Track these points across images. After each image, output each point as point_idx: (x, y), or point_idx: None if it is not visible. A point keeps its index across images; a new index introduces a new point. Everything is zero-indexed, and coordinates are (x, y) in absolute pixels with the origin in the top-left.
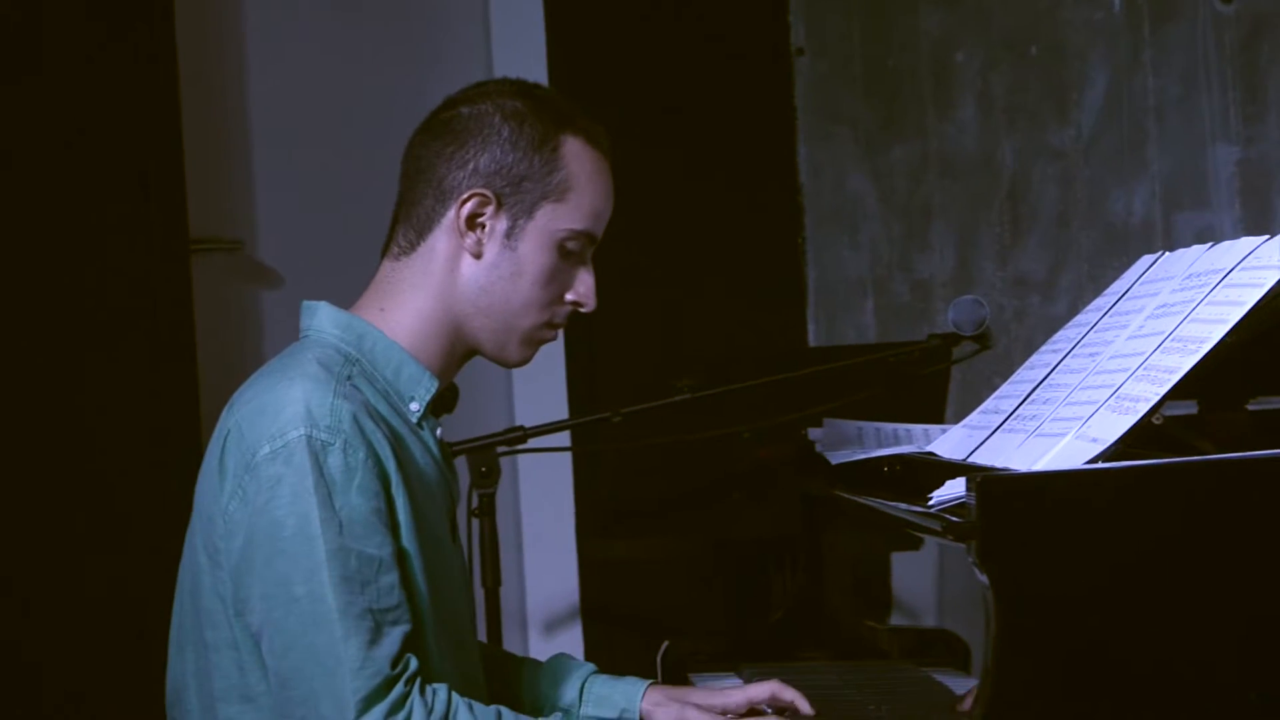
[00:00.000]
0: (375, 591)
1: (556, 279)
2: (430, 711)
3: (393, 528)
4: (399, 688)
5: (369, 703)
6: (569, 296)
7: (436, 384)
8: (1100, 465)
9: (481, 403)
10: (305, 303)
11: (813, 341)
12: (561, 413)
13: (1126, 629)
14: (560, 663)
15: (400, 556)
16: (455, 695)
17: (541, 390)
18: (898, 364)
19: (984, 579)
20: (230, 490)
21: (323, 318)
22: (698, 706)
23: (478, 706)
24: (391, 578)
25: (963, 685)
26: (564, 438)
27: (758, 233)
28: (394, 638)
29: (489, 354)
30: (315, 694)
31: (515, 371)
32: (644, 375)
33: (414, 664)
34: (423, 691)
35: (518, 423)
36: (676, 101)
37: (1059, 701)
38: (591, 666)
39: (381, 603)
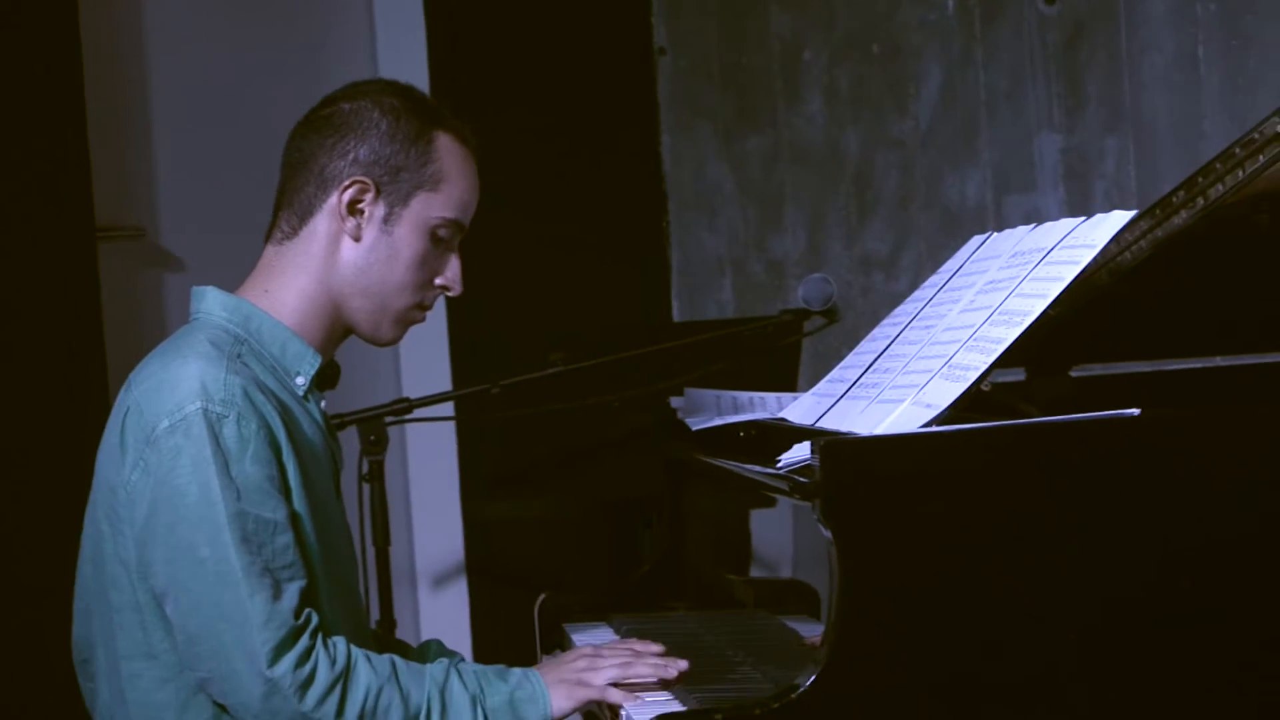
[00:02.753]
0: (272, 551)
1: (428, 264)
2: (334, 663)
3: (285, 492)
4: (304, 640)
5: (278, 652)
6: (438, 281)
7: (319, 360)
8: (934, 429)
9: (370, 376)
10: (195, 288)
11: (676, 317)
12: (445, 385)
13: (956, 578)
14: (431, 646)
15: (293, 519)
16: (353, 647)
17: (426, 363)
18: (753, 337)
19: (828, 534)
20: (131, 463)
21: (211, 301)
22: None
23: (374, 656)
24: (286, 538)
25: (813, 630)
26: (448, 408)
27: (625, 217)
28: (292, 592)
29: (364, 333)
30: (225, 647)
31: (402, 346)
32: (521, 350)
33: (315, 619)
34: (325, 644)
35: (404, 394)
36: (549, 97)
37: (894, 640)
38: (459, 655)
39: (278, 561)
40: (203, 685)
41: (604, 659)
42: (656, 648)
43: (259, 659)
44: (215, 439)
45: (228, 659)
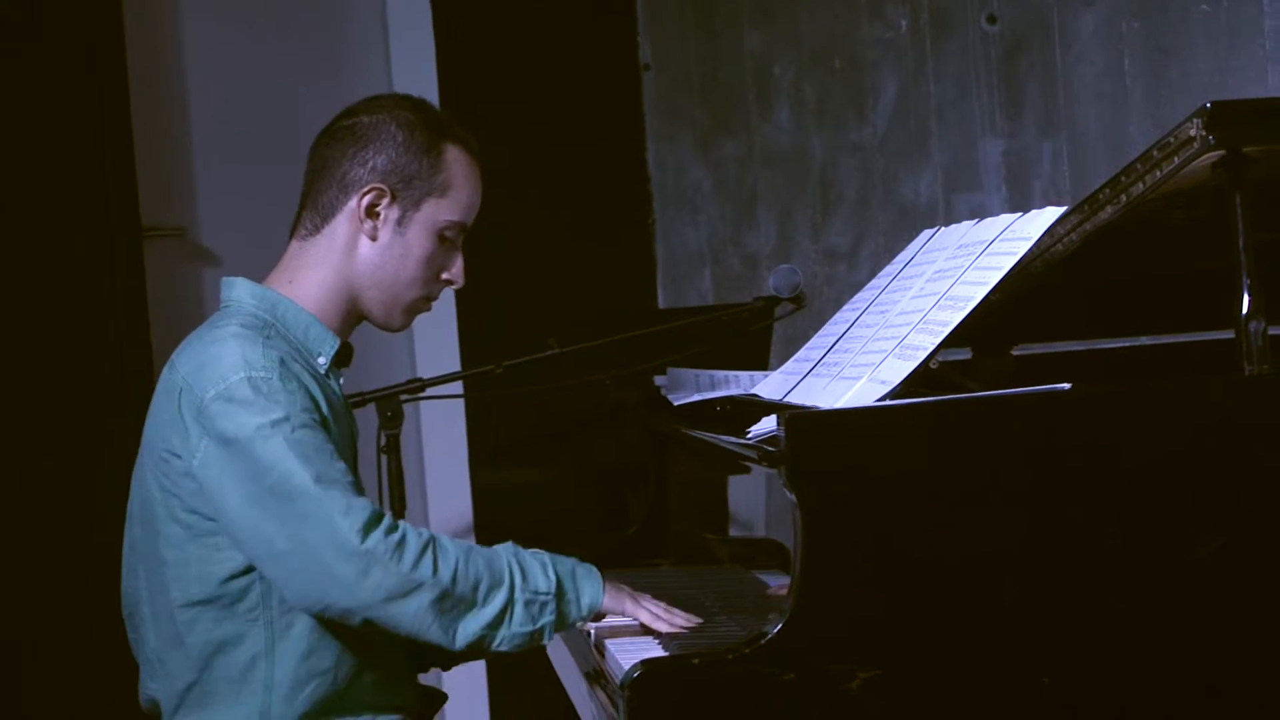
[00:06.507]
0: (334, 466)
1: (435, 261)
2: (420, 533)
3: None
4: (388, 517)
5: (367, 529)
6: (444, 275)
7: (338, 342)
8: (888, 403)
9: (387, 358)
10: (225, 278)
11: (661, 304)
12: (454, 365)
13: (906, 536)
14: None
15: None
16: (432, 532)
17: (437, 347)
18: (729, 322)
19: (793, 497)
20: (196, 435)
21: (241, 290)
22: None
23: (453, 540)
24: (342, 464)
25: (782, 582)
26: (457, 387)
27: (615, 215)
28: (364, 499)
29: (377, 321)
30: (314, 549)
31: (415, 331)
32: (522, 334)
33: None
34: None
35: (418, 375)
36: (547, 108)
37: (852, 590)
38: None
39: (341, 472)
40: (306, 608)
41: (647, 600)
42: (683, 618)
43: (350, 540)
44: (262, 395)
45: (319, 558)
